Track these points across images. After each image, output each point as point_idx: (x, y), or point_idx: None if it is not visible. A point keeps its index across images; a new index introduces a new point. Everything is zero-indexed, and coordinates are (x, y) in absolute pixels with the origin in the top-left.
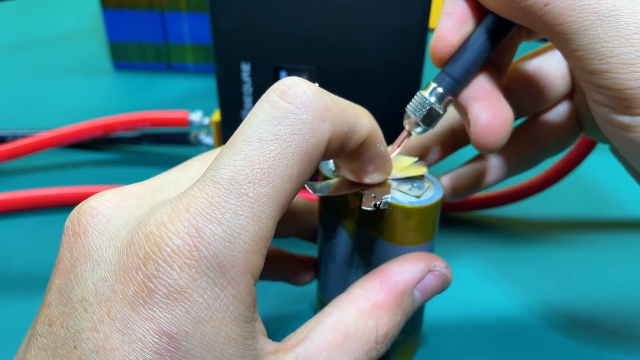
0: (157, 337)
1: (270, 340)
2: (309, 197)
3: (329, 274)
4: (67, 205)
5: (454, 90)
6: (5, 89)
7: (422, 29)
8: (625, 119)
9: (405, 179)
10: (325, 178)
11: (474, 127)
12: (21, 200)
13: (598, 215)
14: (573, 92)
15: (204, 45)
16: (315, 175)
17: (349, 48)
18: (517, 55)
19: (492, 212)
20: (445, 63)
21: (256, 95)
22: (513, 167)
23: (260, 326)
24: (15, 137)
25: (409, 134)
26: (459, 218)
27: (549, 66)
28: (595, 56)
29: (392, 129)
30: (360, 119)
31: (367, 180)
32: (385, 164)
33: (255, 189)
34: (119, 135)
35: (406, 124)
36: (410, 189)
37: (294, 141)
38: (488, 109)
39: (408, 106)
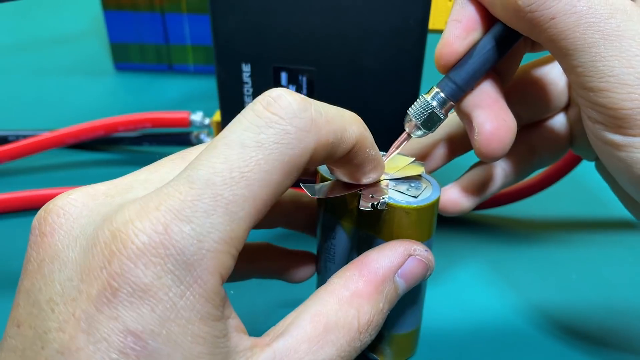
0: (122, 336)
1: (246, 336)
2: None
3: (329, 274)
4: None
5: (456, 96)
6: (7, 90)
7: (421, 30)
8: (617, 138)
9: (403, 179)
10: (323, 179)
11: (478, 136)
12: (22, 200)
13: (596, 216)
14: (568, 106)
15: (205, 46)
16: (314, 176)
17: (348, 49)
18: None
19: (490, 212)
20: (450, 69)
21: (256, 96)
22: (510, 176)
23: (235, 322)
24: (17, 138)
25: (409, 136)
26: (456, 218)
27: (551, 77)
28: (595, 74)
29: (391, 130)
30: (348, 127)
31: (360, 181)
32: (376, 167)
33: (231, 190)
34: (120, 135)
35: (406, 126)
36: (407, 189)
37: (276, 149)
38: (492, 118)
39: (410, 109)
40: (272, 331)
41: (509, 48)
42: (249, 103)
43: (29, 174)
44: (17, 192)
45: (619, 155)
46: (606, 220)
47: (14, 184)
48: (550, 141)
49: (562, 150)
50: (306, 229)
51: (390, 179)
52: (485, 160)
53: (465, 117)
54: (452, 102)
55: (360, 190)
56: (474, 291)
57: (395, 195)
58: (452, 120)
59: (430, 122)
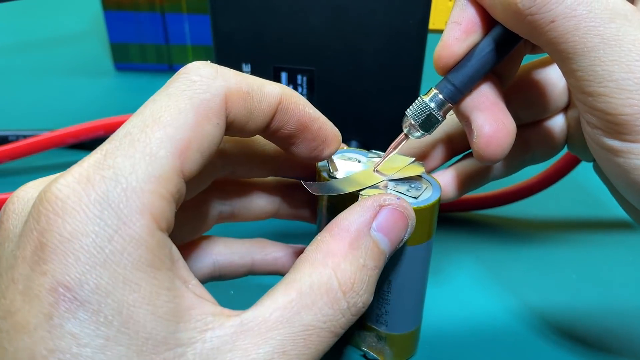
0: (51, 289)
1: (210, 304)
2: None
3: None
4: None
5: (454, 98)
6: (8, 90)
7: (421, 31)
8: (614, 143)
9: (403, 179)
10: (323, 179)
11: (478, 138)
12: None
13: (596, 216)
14: (567, 107)
15: (205, 46)
16: (314, 176)
17: (348, 49)
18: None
19: (490, 212)
20: (449, 71)
21: None
22: (500, 170)
23: (196, 288)
24: (17, 138)
25: (407, 137)
26: (456, 218)
27: (550, 78)
28: (594, 78)
29: (391, 130)
30: (267, 84)
31: (320, 153)
32: (325, 131)
33: (146, 134)
34: None
35: (404, 127)
36: (408, 190)
37: (184, 94)
38: (492, 121)
39: (408, 110)
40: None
41: (508, 51)
42: None
43: (29, 174)
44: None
45: (617, 161)
46: (606, 220)
47: (14, 184)
48: (546, 141)
49: (557, 150)
50: (304, 215)
51: (390, 180)
52: (484, 162)
53: (464, 119)
54: (450, 104)
55: (359, 191)
56: (474, 291)
57: None
58: (450, 120)
59: (428, 123)
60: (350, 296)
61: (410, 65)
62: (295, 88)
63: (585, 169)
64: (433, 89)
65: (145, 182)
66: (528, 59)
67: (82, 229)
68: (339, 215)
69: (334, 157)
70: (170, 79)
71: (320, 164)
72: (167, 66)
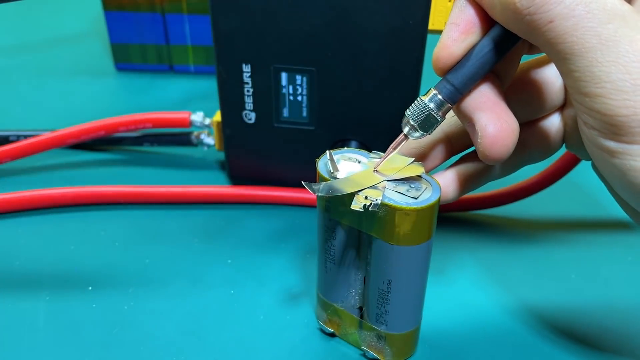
0: None
1: None
2: (308, 196)
3: (329, 274)
4: (68, 205)
5: (454, 99)
6: (8, 90)
7: (421, 31)
8: (611, 144)
9: (403, 179)
10: (323, 179)
11: (482, 139)
12: (22, 200)
13: (595, 216)
14: (564, 106)
15: (205, 46)
16: (314, 176)
17: (348, 49)
18: None
19: (489, 212)
20: (448, 72)
21: (256, 96)
22: (497, 171)
23: None
24: (18, 138)
25: (406, 137)
26: (456, 218)
27: (547, 77)
28: (592, 79)
29: (391, 130)
30: None
31: None
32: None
33: None
34: (121, 135)
35: (404, 127)
36: (408, 190)
37: None
38: (495, 121)
39: (407, 110)
40: None
41: (507, 51)
42: (249, 103)
43: (29, 174)
44: (17, 192)
45: (614, 162)
46: (605, 220)
47: (14, 184)
48: (543, 140)
49: (554, 149)
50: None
51: (390, 180)
52: (489, 162)
53: (467, 120)
54: (449, 105)
55: (359, 191)
56: (473, 291)
57: (395, 196)
58: (449, 120)
59: (427, 123)
60: None
61: (410, 65)
62: (295, 88)
63: (584, 169)
64: (432, 89)
65: None
66: (525, 59)
67: None
68: None
69: (335, 157)
70: None
71: (320, 164)
72: (168, 66)
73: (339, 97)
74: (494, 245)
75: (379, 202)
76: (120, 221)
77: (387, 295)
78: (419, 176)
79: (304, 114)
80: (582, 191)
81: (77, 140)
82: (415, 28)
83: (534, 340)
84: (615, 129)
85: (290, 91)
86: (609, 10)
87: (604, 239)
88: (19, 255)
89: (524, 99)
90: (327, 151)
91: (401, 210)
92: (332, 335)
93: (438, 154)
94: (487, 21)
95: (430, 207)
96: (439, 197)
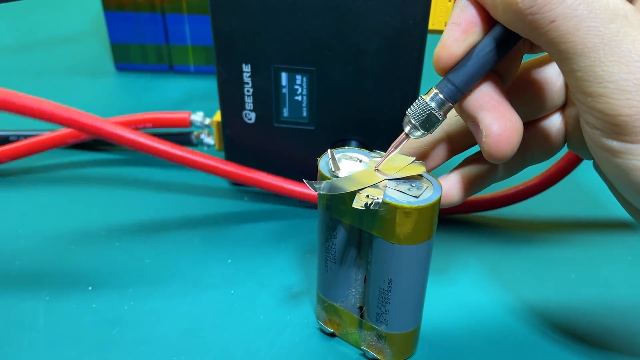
0: None
1: None
2: (310, 194)
3: (329, 273)
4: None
5: (455, 98)
6: None
7: (421, 31)
8: (614, 144)
9: (404, 178)
10: (325, 178)
11: (487, 138)
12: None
13: (595, 216)
14: (565, 105)
15: (205, 46)
16: (315, 175)
17: (348, 50)
18: None
19: (489, 213)
20: (449, 71)
21: (256, 96)
22: (501, 172)
23: None
24: (18, 138)
25: (407, 136)
26: (456, 219)
27: (548, 76)
28: (594, 79)
29: (391, 130)
30: None
31: None
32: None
33: None
34: None
35: (405, 127)
36: (409, 189)
37: None
38: (499, 119)
39: (408, 110)
40: None
41: (508, 50)
42: (249, 103)
43: (29, 174)
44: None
45: (616, 162)
46: (605, 220)
47: (15, 184)
48: (544, 140)
49: (556, 148)
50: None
51: (391, 179)
52: (494, 161)
53: (471, 119)
54: (450, 104)
55: (359, 190)
56: (473, 291)
57: (396, 195)
58: (450, 120)
59: (428, 123)
60: None
61: (410, 65)
62: (295, 88)
63: (585, 169)
64: (433, 88)
65: None
66: (525, 58)
67: None
68: None
69: (336, 156)
70: None
71: (321, 163)
72: (168, 66)
73: (339, 97)
74: (494, 244)
75: (380, 200)
76: (121, 221)
77: (388, 295)
78: (420, 175)
79: (304, 114)
80: (583, 191)
81: (77, 140)
82: (415, 28)
83: (534, 340)
84: (618, 129)
85: (291, 91)
86: (612, 10)
87: (604, 239)
88: (19, 255)
89: (524, 98)
90: (329, 150)
91: (402, 209)
92: (332, 335)
93: (439, 153)
94: (488, 21)
95: (431, 206)
96: (440, 196)
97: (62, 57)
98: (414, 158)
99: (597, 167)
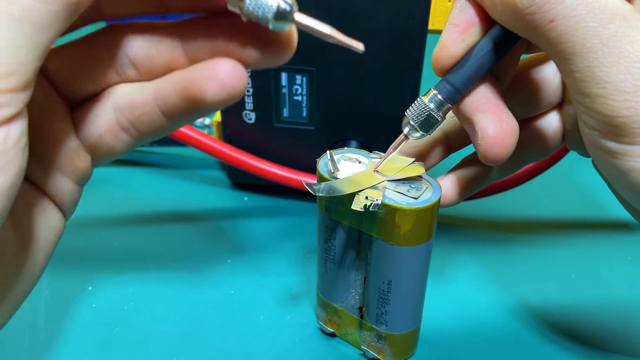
0: None
1: None
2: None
3: (329, 274)
4: None
5: (453, 99)
6: None
7: (421, 31)
8: (612, 145)
9: (403, 180)
10: (324, 179)
11: (482, 140)
12: None
13: (595, 216)
14: (562, 103)
15: None
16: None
17: (348, 50)
18: None
19: (487, 212)
20: (447, 72)
21: (256, 96)
22: (499, 171)
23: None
24: None
25: (406, 137)
26: (456, 219)
27: (545, 74)
28: (592, 79)
29: (391, 130)
30: None
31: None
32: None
33: None
34: None
35: (404, 128)
36: (408, 190)
37: None
38: (495, 122)
39: (407, 111)
40: None
41: (506, 50)
42: (249, 103)
43: None
44: None
45: (614, 163)
46: (605, 220)
47: None
48: (542, 138)
49: (553, 146)
50: None
51: (390, 180)
52: (489, 163)
53: (467, 121)
54: (449, 105)
55: (359, 192)
56: (473, 291)
57: (395, 197)
58: (449, 118)
59: (427, 124)
60: None
61: (410, 65)
62: (295, 88)
63: (584, 169)
64: (432, 89)
65: None
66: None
67: None
68: None
69: (336, 158)
70: None
71: (321, 164)
72: None
73: (339, 97)
74: (493, 245)
75: (380, 202)
76: (121, 221)
77: (387, 296)
78: (420, 176)
79: (304, 114)
80: (582, 191)
81: None
82: (415, 28)
83: (533, 340)
84: (615, 130)
85: (290, 91)
86: (610, 10)
87: (604, 239)
88: None
89: (521, 96)
90: (328, 151)
91: (401, 210)
92: (332, 335)
93: (437, 152)
94: (487, 21)
95: (430, 208)
96: (439, 198)
97: None
98: (413, 159)
99: (595, 164)
